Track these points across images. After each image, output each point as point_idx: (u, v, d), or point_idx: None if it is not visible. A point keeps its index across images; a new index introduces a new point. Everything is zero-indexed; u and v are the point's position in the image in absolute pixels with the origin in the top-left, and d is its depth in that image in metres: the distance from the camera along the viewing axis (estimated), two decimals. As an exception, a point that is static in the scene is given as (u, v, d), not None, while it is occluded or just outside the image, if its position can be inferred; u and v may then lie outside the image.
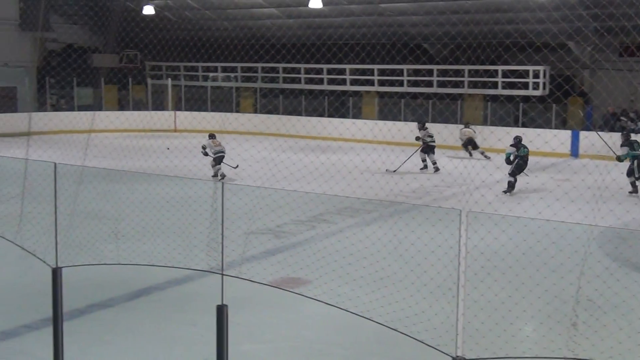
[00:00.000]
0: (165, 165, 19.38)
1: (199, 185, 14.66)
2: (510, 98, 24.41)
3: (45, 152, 19.99)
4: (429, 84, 26.70)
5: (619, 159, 17.25)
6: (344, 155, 21.75)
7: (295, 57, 27.08)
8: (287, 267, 10.03)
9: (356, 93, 29.25)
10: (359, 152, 21.63)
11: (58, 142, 25.19)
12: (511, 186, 16.55)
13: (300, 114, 29.67)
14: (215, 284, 5.57)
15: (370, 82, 28.38)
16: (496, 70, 25.43)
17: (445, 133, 24.09)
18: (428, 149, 20.22)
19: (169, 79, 32.36)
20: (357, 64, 27.59)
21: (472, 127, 23.66)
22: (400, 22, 26.69)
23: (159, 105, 32.39)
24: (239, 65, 31.05)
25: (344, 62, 27.84)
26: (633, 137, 17.83)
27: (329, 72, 29.15)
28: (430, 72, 26.82)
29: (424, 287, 8.67)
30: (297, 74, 30.11)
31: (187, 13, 30.77)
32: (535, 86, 24.73)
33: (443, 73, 26.68)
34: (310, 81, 29.78)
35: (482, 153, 22.62)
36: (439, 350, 4.98)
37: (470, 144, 23.08)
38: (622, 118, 23.82)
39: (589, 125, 24.57)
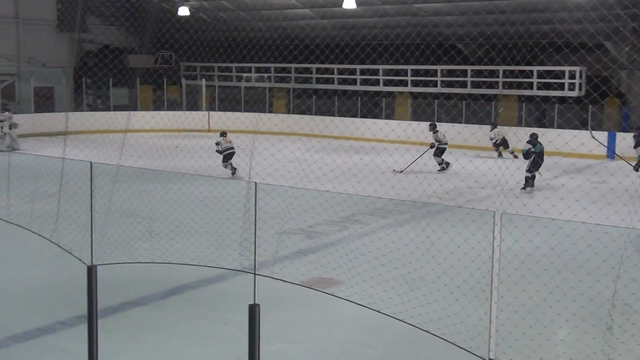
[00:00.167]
0: (200, 165, 19.53)
1: (232, 185, 14.74)
2: (545, 99, 24.14)
3: (82, 152, 20.28)
4: (463, 84, 26.54)
5: None
6: (377, 156, 21.68)
7: (329, 57, 27.08)
8: (319, 268, 10.03)
9: (389, 94, 29.17)
10: (392, 153, 21.56)
11: (94, 141, 25.52)
12: (528, 182, 16.81)
13: (333, 115, 29.66)
14: (247, 284, 5.59)
15: (404, 83, 28.28)
16: (531, 71, 25.17)
17: (479, 134, 23.93)
18: (439, 151, 20.38)
19: (203, 80, 32.60)
20: (391, 64, 27.51)
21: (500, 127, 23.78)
22: (435, 23, 26.55)
23: (193, 106, 32.65)
24: (273, 65, 31.16)
25: (377, 62, 27.78)
26: None
27: (362, 72, 29.12)
28: (464, 73, 26.66)
29: (457, 289, 8.61)
30: (330, 75, 30.13)
31: (221, 14, 30.96)
32: (572, 87, 24.41)
33: (477, 74, 26.48)
34: (343, 82, 29.78)
35: (512, 152, 22.66)
36: (472, 353, 4.94)
37: (503, 144, 23.06)
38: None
39: (626, 126, 24.19)
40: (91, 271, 5.76)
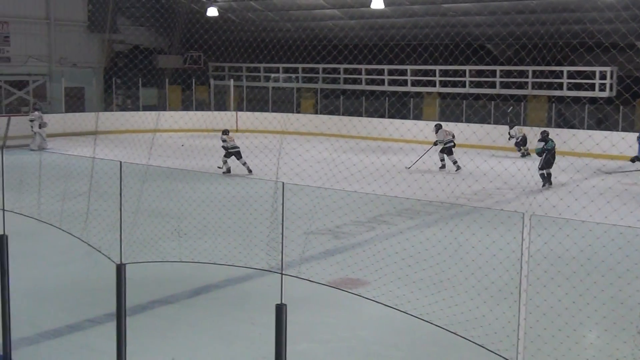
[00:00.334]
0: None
1: (259, 185, 14.78)
2: (576, 100, 23.87)
3: (112, 151, 20.48)
4: (492, 85, 26.36)
5: None
6: (405, 157, 21.62)
7: (357, 58, 27.03)
8: (346, 268, 10.02)
9: (417, 94, 29.05)
10: (420, 154, 21.48)
11: (124, 141, 25.75)
12: (544, 179, 17.42)
13: (360, 115, 29.61)
14: (274, 283, 5.60)
15: (432, 83, 28.15)
16: (561, 71, 24.91)
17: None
18: (446, 150, 20.44)
19: (231, 80, 32.75)
20: (419, 64, 27.39)
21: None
22: (464, 23, 26.39)
23: (222, 106, 32.81)
24: (300, 66, 31.19)
25: (405, 63, 27.68)
26: None
27: (390, 72, 29.04)
28: (493, 73, 26.47)
29: (485, 290, 8.55)
30: (358, 75, 30.09)
31: (250, 15, 31.07)
32: (602, 88, 24.11)
33: (507, 74, 26.27)
34: (371, 82, 29.73)
35: (527, 151, 23.05)
36: (499, 355, 4.90)
37: (524, 143, 23.10)
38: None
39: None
40: (120, 270, 5.80)
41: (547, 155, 17.56)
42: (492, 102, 26.61)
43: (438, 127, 21.18)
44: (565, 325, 7.65)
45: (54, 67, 29.85)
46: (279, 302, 5.07)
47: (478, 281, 8.74)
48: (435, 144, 20.81)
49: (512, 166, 19.66)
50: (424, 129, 23.57)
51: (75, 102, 29.73)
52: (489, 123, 26.09)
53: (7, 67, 28.55)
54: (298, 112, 31.76)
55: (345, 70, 30.39)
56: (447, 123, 25.98)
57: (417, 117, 28.69)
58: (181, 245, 10.94)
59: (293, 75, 32.11)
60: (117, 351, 5.86)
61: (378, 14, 26.96)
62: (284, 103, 31.37)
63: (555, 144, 17.78)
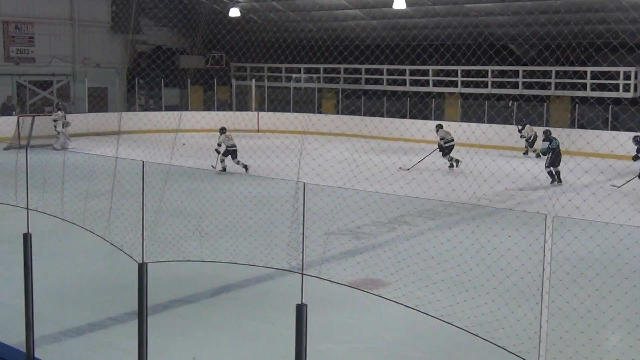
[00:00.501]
0: (249, 165, 19.68)
1: (280, 185, 14.80)
2: (600, 100, 23.65)
3: (134, 151, 20.58)
4: (515, 85, 26.19)
5: None
6: (426, 157, 21.53)
7: (379, 58, 26.98)
8: (366, 269, 10.00)
9: (439, 94, 28.94)
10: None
11: (146, 141, 25.89)
12: (552, 177, 18.20)
13: (382, 116, 29.55)
14: (294, 283, 5.61)
15: (454, 84, 28.04)
16: (585, 72, 24.69)
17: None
18: (445, 149, 20.76)
19: (253, 80, 32.82)
20: (441, 65, 27.29)
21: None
22: (487, 23, 26.25)
23: (243, 106, 32.91)
24: (322, 66, 31.19)
25: (428, 63, 27.58)
26: None
27: (412, 73, 28.95)
28: (516, 74, 26.30)
29: (506, 292, 8.50)
30: (380, 75, 30.04)
31: (271, 15, 31.13)
32: (627, 88, 23.87)
33: (530, 74, 26.10)
34: (392, 82, 29.66)
35: (534, 151, 23.50)
36: (521, 358, 4.86)
37: (534, 142, 23.22)
38: None
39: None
40: (142, 268, 5.84)
41: (553, 154, 18.10)
42: (515, 102, 26.45)
43: (439, 127, 21.27)
44: (588, 327, 7.58)
45: (78, 68, 30.12)
46: (299, 302, 5.07)
47: (500, 283, 8.68)
48: (440, 146, 21.07)
49: (535, 167, 19.52)
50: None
51: (98, 102, 29.98)
52: (512, 124, 25.92)
53: (32, 68, 28.86)
54: (319, 112, 31.76)
55: (367, 71, 30.35)
56: (469, 124, 25.90)
57: (439, 117, 28.57)
58: (202, 244, 10.99)
59: (314, 76, 32.13)
60: (138, 349, 5.89)
61: (400, 14, 26.88)
62: (306, 103, 31.39)
63: (559, 142, 18.28)
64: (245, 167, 19.56)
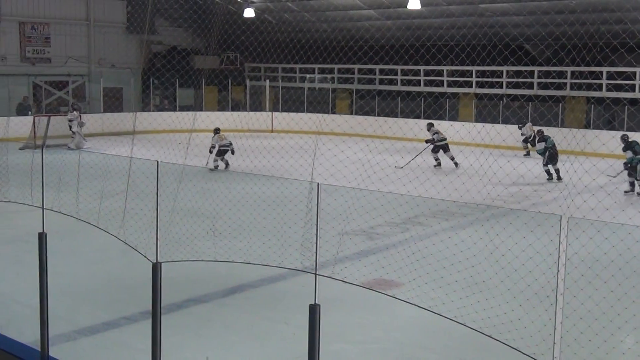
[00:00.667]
0: (263, 165, 19.70)
1: (294, 185, 14.79)
2: (616, 101, 23.49)
3: (149, 151, 20.69)
4: (530, 86, 26.06)
5: None
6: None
7: (393, 58, 26.92)
8: (380, 269, 9.99)
9: (453, 95, 28.86)
10: (456, 155, 21.33)
11: (160, 141, 26.00)
12: (550, 175, 18.75)
13: (396, 116, 29.49)
14: (307, 283, 5.61)
15: (468, 84, 27.94)
16: (601, 72, 24.53)
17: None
18: (438, 148, 20.94)
19: (267, 80, 32.86)
20: (455, 65, 27.21)
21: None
22: (502, 23, 26.12)
23: (257, 106, 32.96)
24: (336, 66, 31.19)
25: (442, 63, 27.50)
26: None
27: (426, 73, 28.89)
28: (531, 74, 26.17)
29: (520, 293, 8.45)
30: (394, 76, 29.99)
31: (286, 15, 31.15)
32: (643, 88, 23.71)
33: (545, 75, 25.96)
34: (407, 83, 29.61)
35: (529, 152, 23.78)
36: (535, 359, 4.84)
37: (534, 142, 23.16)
38: None
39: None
40: (156, 268, 5.86)
41: (549, 153, 18.72)
42: (530, 103, 26.32)
43: (431, 125, 21.39)
44: (603, 329, 7.53)
45: (93, 68, 30.29)
46: (312, 302, 5.07)
47: (514, 284, 8.64)
48: (431, 142, 21.20)
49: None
50: (460, 129, 23.37)
51: (113, 102, 30.14)
52: (527, 124, 25.76)
53: (48, 68, 29.05)
54: (333, 112, 31.75)
55: (381, 71, 30.31)
56: (483, 124, 25.79)
57: (453, 118, 28.49)
58: (216, 244, 11.01)
59: (328, 76, 32.13)
60: (152, 349, 5.91)
61: (415, 14, 26.83)
62: (320, 104, 31.40)
63: (554, 141, 18.87)
64: (227, 164, 20.14)
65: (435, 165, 20.88)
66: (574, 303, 7.64)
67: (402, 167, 19.64)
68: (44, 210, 6.93)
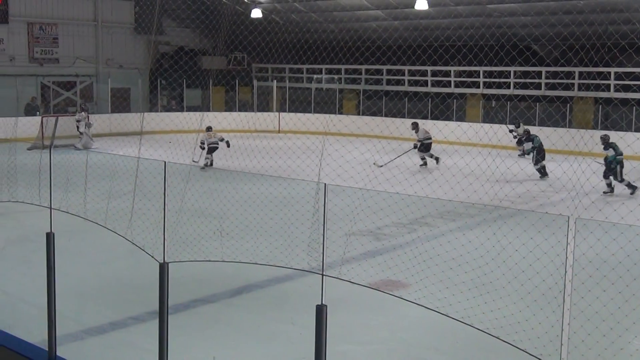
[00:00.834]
0: (270, 166, 19.70)
1: (301, 185, 14.80)
2: (624, 101, 23.40)
3: (156, 151, 20.75)
4: (538, 86, 25.99)
5: None
6: (448, 158, 21.45)
7: (400, 59, 26.89)
8: (387, 270, 9.98)
9: (461, 95, 28.81)
10: (463, 156, 21.25)
11: (168, 141, 26.03)
12: (541, 172, 19.05)
13: (403, 116, 29.44)
14: (314, 284, 5.61)
15: (476, 85, 27.89)
16: (609, 73, 24.45)
17: (554, 137, 23.32)
18: (424, 147, 21.12)
19: (274, 81, 32.87)
20: (463, 65, 27.17)
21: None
22: (509, 23, 26.07)
23: (265, 107, 32.98)
24: (343, 67, 31.18)
25: (449, 64, 27.46)
26: None
27: (434, 74, 28.85)
28: (539, 74, 26.10)
29: (528, 294, 8.43)
30: (401, 76, 29.96)
31: (293, 16, 31.16)
32: (652, 89, 23.62)
33: (553, 75, 25.89)
34: (414, 83, 29.58)
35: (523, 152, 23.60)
36: (542, 361, 4.83)
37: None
38: None
39: None
40: (163, 268, 5.87)
41: (538, 150, 19.24)
42: (538, 103, 26.25)
43: (416, 125, 21.44)
44: (610, 331, 7.50)
45: (101, 69, 30.37)
46: (319, 303, 5.07)
47: (521, 285, 8.62)
48: (415, 146, 21.25)
49: (558, 168, 19.35)
50: (467, 130, 23.34)
51: (121, 102, 30.20)
52: (534, 125, 25.70)
53: (56, 68, 29.14)
54: (340, 113, 31.74)
55: (388, 71, 30.29)
56: (491, 125, 25.72)
57: (461, 118, 28.45)
58: (223, 245, 11.02)
59: (336, 77, 32.12)
60: (159, 349, 5.92)
61: (422, 14, 26.81)
62: (327, 104, 31.39)
63: (540, 140, 19.43)
64: (211, 162, 20.36)
65: (421, 165, 20.95)
66: (582, 304, 7.62)
67: (381, 166, 19.69)
68: (52, 210, 6.95)
